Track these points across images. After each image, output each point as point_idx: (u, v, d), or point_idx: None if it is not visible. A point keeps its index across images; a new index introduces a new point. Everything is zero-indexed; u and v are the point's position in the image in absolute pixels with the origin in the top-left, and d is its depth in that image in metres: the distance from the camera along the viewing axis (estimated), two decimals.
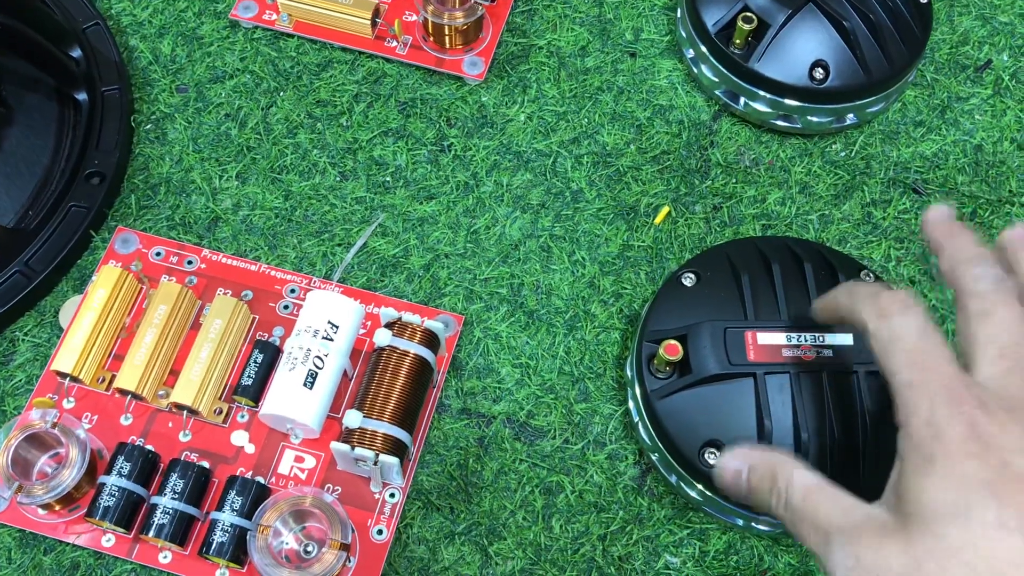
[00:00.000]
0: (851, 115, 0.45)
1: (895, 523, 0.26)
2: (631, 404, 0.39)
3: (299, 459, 0.39)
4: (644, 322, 0.38)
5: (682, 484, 0.37)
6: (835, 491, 0.28)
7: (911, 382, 0.27)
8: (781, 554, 0.38)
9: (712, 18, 0.45)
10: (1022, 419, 0.26)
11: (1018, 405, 0.27)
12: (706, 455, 0.35)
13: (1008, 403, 0.27)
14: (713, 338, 0.36)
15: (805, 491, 0.28)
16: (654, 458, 0.38)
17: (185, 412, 0.39)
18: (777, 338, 0.36)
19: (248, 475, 0.38)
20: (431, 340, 0.39)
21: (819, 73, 0.44)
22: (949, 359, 0.28)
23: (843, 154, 0.46)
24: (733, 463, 0.31)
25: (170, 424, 0.39)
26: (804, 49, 0.44)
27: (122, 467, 0.37)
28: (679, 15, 0.48)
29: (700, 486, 0.36)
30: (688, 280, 0.38)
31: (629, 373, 0.39)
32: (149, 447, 0.38)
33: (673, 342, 0.36)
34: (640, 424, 0.38)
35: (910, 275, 0.43)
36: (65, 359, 0.39)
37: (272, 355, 0.40)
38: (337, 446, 0.37)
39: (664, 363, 0.36)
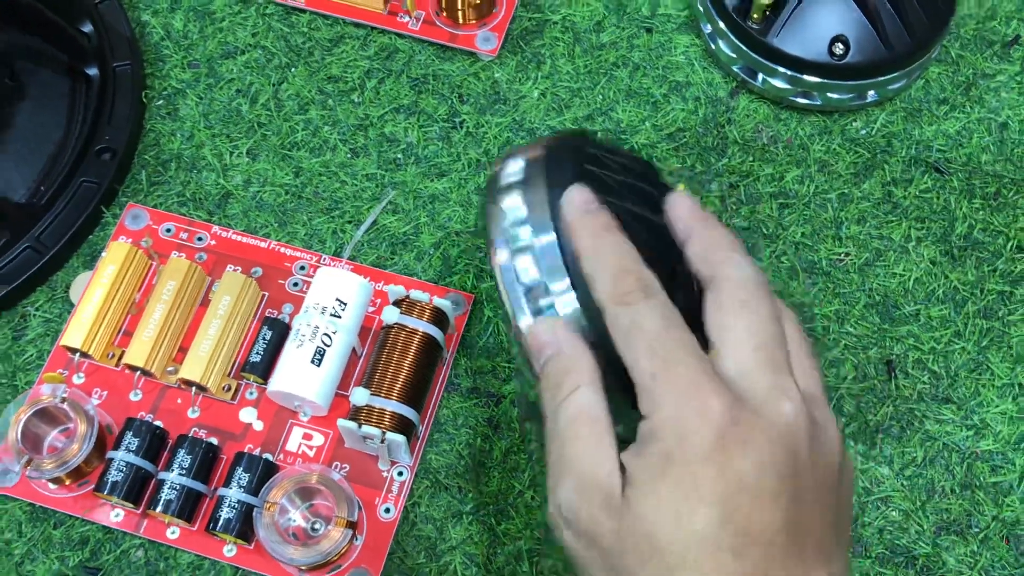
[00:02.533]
0: (872, 92, 0.44)
1: (619, 498, 0.25)
2: None
3: (307, 436, 0.39)
4: None
5: None
6: (603, 433, 0.26)
7: (655, 374, 0.25)
8: None
9: None
10: (764, 425, 0.25)
11: (762, 406, 0.25)
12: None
13: (754, 404, 0.25)
14: None
15: (576, 415, 0.26)
16: None
17: (194, 388, 0.39)
18: None
19: (256, 452, 0.38)
20: (440, 318, 0.39)
21: (839, 48, 0.43)
22: (696, 351, 0.26)
23: (864, 132, 0.45)
24: (544, 335, 0.28)
25: (179, 400, 0.39)
26: (824, 24, 0.43)
27: (130, 443, 0.37)
28: None
29: None
30: None
31: None
32: (158, 423, 0.38)
33: None
34: None
35: (931, 255, 0.42)
36: (75, 334, 0.39)
37: (281, 332, 0.40)
38: (344, 424, 0.36)
39: None
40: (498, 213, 0.29)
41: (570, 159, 0.30)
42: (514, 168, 0.30)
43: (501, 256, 0.29)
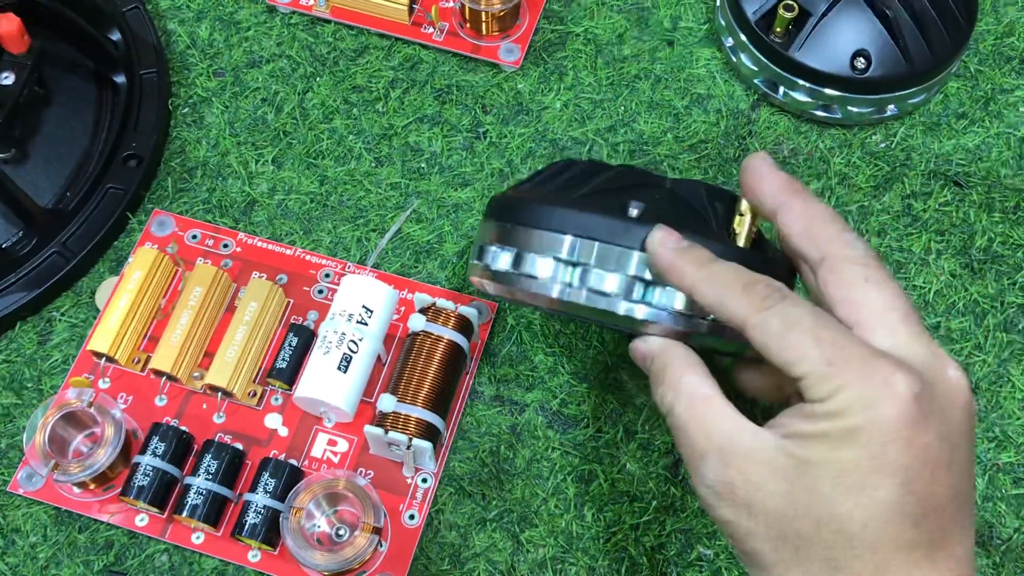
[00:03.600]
0: (892, 106, 0.45)
1: (786, 463, 0.25)
2: None
3: (332, 442, 0.39)
4: None
5: None
6: (724, 406, 0.27)
7: (830, 360, 0.25)
8: None
9: (752, 6, 0.44)
10: (938, 395, 0.26)
11: (930, 376, 0.26)
12: None
13: (924, 375, 0.25)
14: None
15: (691, 400, 0.27)
16: None
17: (219, 394, 0.39)
18: None
19: (281, 458, 0.38)
20: (465, 326, 0.39)
21: (860, 63, 0.43)
22: (852, 332, 0.26)
23: (883, 145, 0.46)
24: (642, 347, 0.30)
25: (204, 406, 0.40)
26: (846, 38, 0.43)
27: (156, 447, 0.37)
28: (718, 3, 0.47)
29: None
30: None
31: None
32: (183, 428, 0.38)
33: None
34: None
35: (951, 268, 0.43)
36: (101, 339, 0.39)
37: (307, 339, 0.40)
38: (371, 430, 0.36)
39: None
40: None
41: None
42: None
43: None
